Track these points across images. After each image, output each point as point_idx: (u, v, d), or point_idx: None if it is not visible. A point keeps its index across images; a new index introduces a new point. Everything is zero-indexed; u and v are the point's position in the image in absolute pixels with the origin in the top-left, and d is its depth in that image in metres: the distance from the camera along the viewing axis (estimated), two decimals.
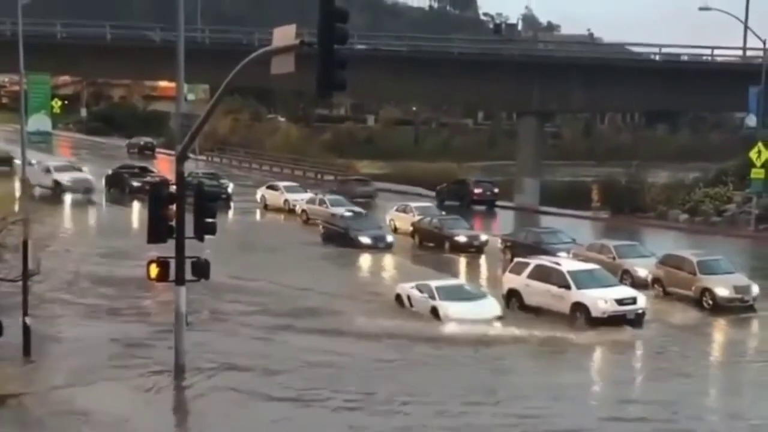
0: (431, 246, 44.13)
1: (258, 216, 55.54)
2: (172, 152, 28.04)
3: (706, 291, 32.09)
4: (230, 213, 54.49)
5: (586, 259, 36.07)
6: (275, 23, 19.63)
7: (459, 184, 63.63)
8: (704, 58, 65.43)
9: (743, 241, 48.23)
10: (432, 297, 29.79)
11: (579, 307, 29.28)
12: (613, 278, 31.85)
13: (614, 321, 28.80)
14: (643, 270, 35.11)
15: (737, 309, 31.46)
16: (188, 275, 21.61)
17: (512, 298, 31.38)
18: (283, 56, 18.38)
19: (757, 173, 51.48)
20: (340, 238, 43.71)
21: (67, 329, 26.92)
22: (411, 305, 30.41)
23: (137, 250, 30.98)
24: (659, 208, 56.40)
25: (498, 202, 62.44)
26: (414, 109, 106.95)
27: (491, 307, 29.77)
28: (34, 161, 51.65)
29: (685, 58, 66.99)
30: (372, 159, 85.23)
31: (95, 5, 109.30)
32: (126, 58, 63.29)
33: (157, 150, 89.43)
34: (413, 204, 51.27)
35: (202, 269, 21.65)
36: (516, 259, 33.36)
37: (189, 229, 21.43)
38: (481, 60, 63.38)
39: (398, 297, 31.04)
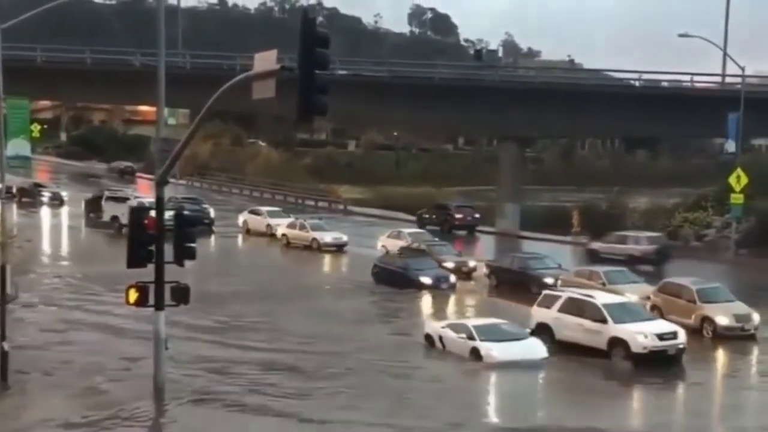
0: None
1: (240, 241, 55.70)
2: (153, 176, 27.95)
3: (706, 319, 31.68)
4: (213, 238, 54.58)
5: (575, 285, 35.66)
6: (256, 48, 19.66)
7: (440, 209, 63.73)
8: (684, 84, 65.96)
9: (723, 267, 48.39)
10: (471, 337, 27.84)
11: (617, 343, 27.83)
12: (647, 311, 30.73)
13: (655, 357, 27.48)
14: (633, 296, 34.28)
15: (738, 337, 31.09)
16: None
17: (542, 333, 29.63)
18: (264, 81, 18.40)
19: (736, 198, 51.79)
20: (396, 279, 39.76)
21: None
22: (443, 346, 28.62)
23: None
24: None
25: (479, 227, 62.59)
26: (395, 134, 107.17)
27: (536, 347, 28.01)
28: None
29: (665, 84, 67.58)
30: (353, 184, 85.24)
31: (75, 30, 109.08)
32: (106, 83, 63.15)
33: (138, 174, 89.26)
34: (406, 230, 51.26)
35: (181, 294, 21.56)
36: (544, 292, 31.75)
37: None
38: (462, 86, 63.62)
39: (428, 337, 29.27)
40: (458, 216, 62.50)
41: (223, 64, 62.38)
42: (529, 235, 59.93)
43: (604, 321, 28.33)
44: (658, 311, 32.92)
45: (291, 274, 43.74)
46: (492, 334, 27.99)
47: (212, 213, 58.74)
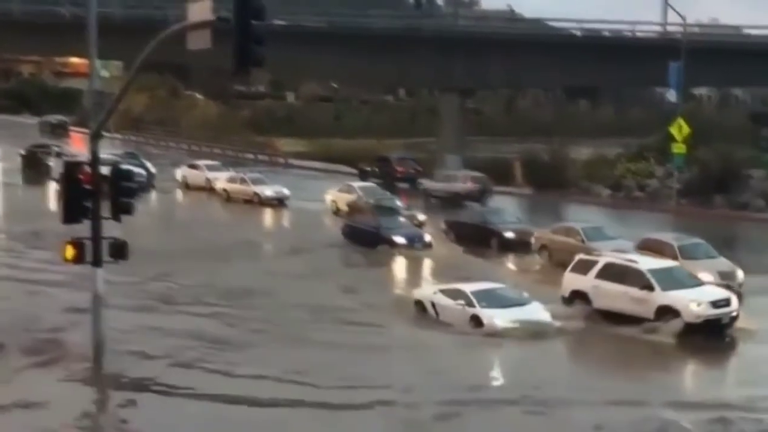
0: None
1: (180, 195, 55.35)
2: (86, 130, 27.56)
3: None
4: (152, 194, 54.18)
5: (551, 243, 35.67)
6: None
7: (381, 162, 63.66)
8: (625, 33, 66.39)
9: (665, 216, 49.21)
10: (470, 304, 26.18)
11: (667, 312, 25.92)
12: (694, 277, 28.44)
13: (709, 326, 25.82)
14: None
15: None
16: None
17: (577, 301, 27.87)
18: (199, 32, 18.18)
19: (678, 148, 52.45)
20: (367, 238, 38.43)
21: None
22: (437, 313, 27.08)
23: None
24: (582, 184, 57.23)
25: (421, 179, 62.66)
26: (334, 85, 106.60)
27: (540, 313, 26.46)
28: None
29: (607, 33, 67.88)
30: (292, 136, 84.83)
31: None
32: (35, 34, 61.98)
33: (71, 128, 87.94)
34: (356, 184, 50.99)
35: (119, 250, 21.37)
36: (578, 257, 29.38)
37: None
38: (401, 36, 63.41)
39: (418, 303, 27.75)
40: (400, 168, 62.47)
41: (156, 14, 61.40)
42: None
43: (650, 288, 26.44)
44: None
45: (233, 229, 43.25)
46: (492, 300, 26.50)
47: (152, 168, 58.10)
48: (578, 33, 64.81)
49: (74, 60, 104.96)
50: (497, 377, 23.53)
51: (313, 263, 35.35)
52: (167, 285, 30.96)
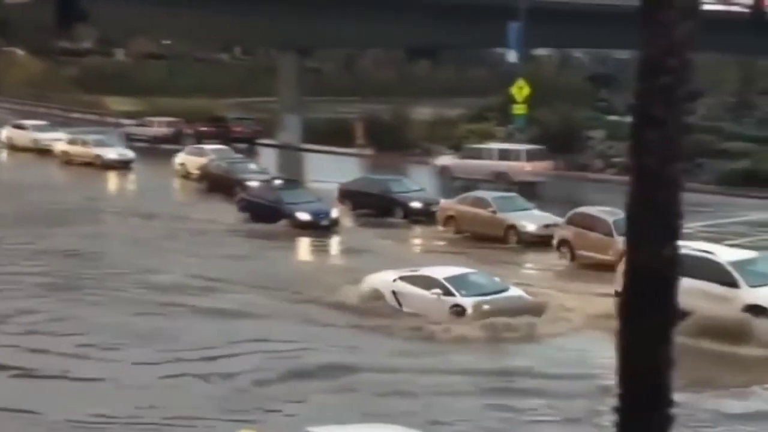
0: (224, 193, 41.45)
1: (5, 157, 53.23)
2: None
3: None
4: None
5: (459, 213, 34.51)
6: None
7: (217, 122, 62.75)
8: None
9: None
10: (448, 293, 23.98)
11: (756, 312, 22.61)
12: None
13: None
14: (531, 225, 33.40)
15: None
16: None
17: None
18: None
19: (519, 109, 53.33)
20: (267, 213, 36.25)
21: None
22: (399, 304, 24.81)
23: None
24: (424, 145, 57.64)
25: (259, 140, 62.10)
26: (167, 42, 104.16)
27: (524, 300, 24.45)
28: None
29: None
30: (122, 95, 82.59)
31: None
32: None
33: None
34: (207, 146, 49.98)
35: None
36: None
37: None
38: None
39: (375, 292, 25.23)
40: (236, 129, 61.86)
41: None
42: (311, 148, 59.95)
43: (733, 285, 23.07)
44: (568, 247, 30.26)
45: (71, 193, 41.91)
46: (470, 287, 24.43)
47: None
48: None
49: None
50: None
51: (161, 229, 34.63)
52: None
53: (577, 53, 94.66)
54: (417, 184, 40.51)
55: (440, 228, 35.74)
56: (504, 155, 47.50)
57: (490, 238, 33.69)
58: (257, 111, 70.51)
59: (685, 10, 5.06)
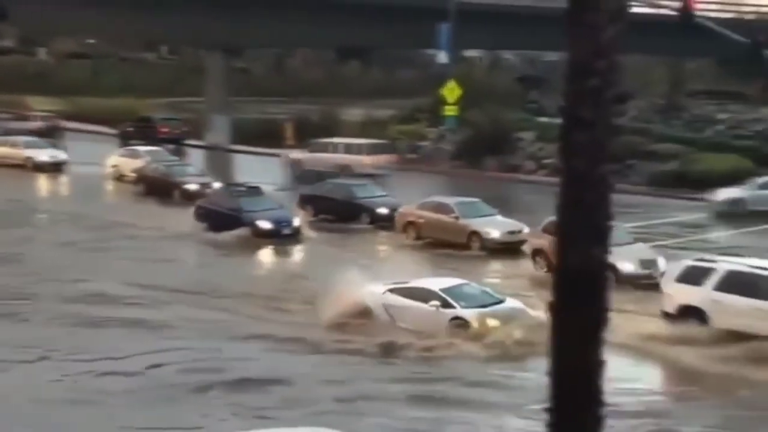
0: (161, 196, 41.20)
1: None
2: None
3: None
4: None
5: (420, 219, 33.89)
6: None
7: (144, 122, 62.19)
8: None
9: (439, 177, 50.44)
10: (447, 305, 22.90)
11: None
12: None
13: None
14: (495, 232, 32.85)
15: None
16: None
17: (689, 318, 22.90)
18: None
19: (449, 110, 53.74)
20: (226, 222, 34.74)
21: None
22: (391, 317, 23.57)
23: None
24: None
25: (186, 141, 61.68)
26: (91, 41, 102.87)
27: (524, 313, 22.91)
28: None
29: None
30: (45, 95, 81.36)
31: None
32: None
33: None
34: (141, 148, 49.51)
35: None
36: (688, 263, 24.10)
37: None
38: None
39: (363, 306, 23.85)
40: (163, 129, 61.34)
41: None
42: (240, 149, 59.67)
43: None
44: (543, 257, 28.38)
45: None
46: (468, 299, 23.39)
47: None
48: None
49: None
50: None
51: (93, 232, 34.21)
52: None
53: (508, 55, 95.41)
54: (381, 189, 39.43)
55: (400, 234, 34.79)
56: (348, 149, 50.61)
57: (452, 245, 32.93)
58: (185, 111, 69.97)
59: (612, 13, 5.14)
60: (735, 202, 41.50)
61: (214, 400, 18.83)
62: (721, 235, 37.78)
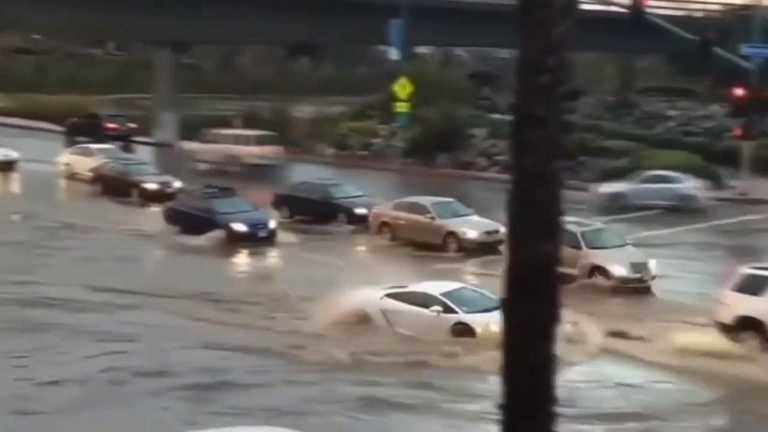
0: (119, 196, 40.75)
1: None
2: None
3: (596, 270, 27.61)
4: None
5: (395, 220, 33.24)
6: None
7: (90, 119, 61.71)
8: None
9: (391, 174, 50.56)
10: (449, 309, 22.39)
11: None
12: None
13: None
14: (472, 232, 32.37)
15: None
16: None
17: (747, 331, 21.65)
18: None
19: (401, 107, 53.79)
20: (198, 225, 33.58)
21: None
22: (389, 323, 22.97)
23: None
24: (305, 143, 57.66)
25: (134, 138, 61.27)
26: (36, 36, 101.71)
27: None
28: None
29: None
30: None
31: None
32: None
33: None
34: (95, 146, 49.04)
35: None
36: (745, 271, 22.83)
37: None
38: None
39: (359, 312, 23.23)
40: (110, 126, 60.92)
41: None
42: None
43: None
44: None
45: None
46: (469, 303, 22.79)
47: None
48: None
49: None
50: None
51: (44, 231, 33.77)
52: None
53: (460, 51, 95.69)
54: (357, 189, 38.49)
55: (375, 236, 34.30)
56: (237, 140, 52.59)
57: (428, 246, 32.59)
58: (133, 108, 69.46)
59: (562, 9, 5.18)
60: (615, 196, 42.29)
61: (164, 405, 18.65)
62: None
